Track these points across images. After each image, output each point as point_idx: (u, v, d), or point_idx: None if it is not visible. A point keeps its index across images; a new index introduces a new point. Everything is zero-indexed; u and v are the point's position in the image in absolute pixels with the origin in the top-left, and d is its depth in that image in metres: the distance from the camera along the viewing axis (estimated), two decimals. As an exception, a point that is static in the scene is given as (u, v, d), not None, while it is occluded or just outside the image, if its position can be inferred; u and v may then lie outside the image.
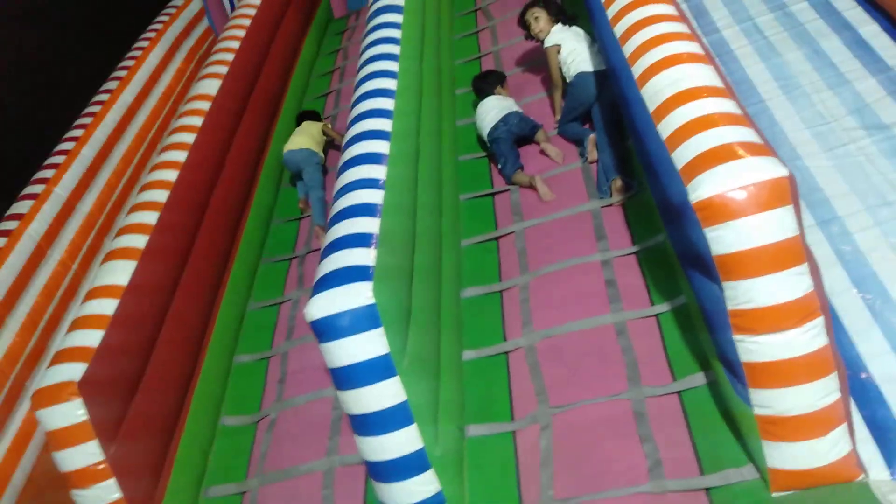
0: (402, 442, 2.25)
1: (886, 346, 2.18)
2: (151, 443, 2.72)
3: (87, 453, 2.46)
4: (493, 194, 3.51)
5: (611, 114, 3.32)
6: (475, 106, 3.81)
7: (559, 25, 3.60)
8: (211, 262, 3.47)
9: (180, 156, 3.45)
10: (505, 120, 3.50)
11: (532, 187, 3.37)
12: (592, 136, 3.34)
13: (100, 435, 2.48)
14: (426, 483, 2.28)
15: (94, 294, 2.82)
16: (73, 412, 2.46)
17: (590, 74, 3.40)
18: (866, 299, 2.29)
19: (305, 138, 4.13)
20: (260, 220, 4.02)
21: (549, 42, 3.58)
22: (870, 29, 3.10)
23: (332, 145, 4.37)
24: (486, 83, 3.81)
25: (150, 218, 3.13)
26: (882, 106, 2.74)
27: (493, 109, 3.59)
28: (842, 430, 1.97)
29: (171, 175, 3.34)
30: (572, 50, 3.49)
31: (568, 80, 3.53)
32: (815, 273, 1.94)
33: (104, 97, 4.69)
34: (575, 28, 3.61)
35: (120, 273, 2.88)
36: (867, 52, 3.01)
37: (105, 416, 2.53)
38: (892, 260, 2.34)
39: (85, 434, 2.46)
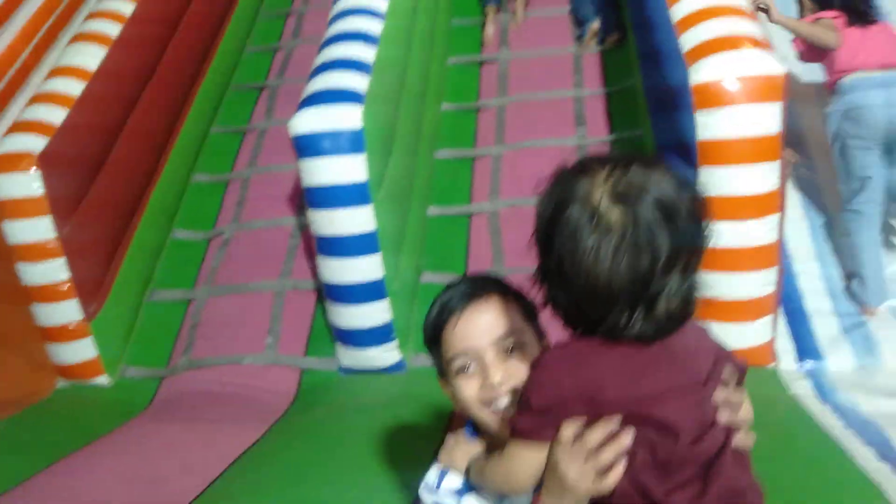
0: (365, 268, 2.32)
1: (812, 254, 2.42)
2: (104, 231, 2.68)
3: (40, 228, 2.41)
4: (481, 63, 3.48)
5: None
6: None
7: None
8: (179, 75, 3.33)
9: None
10: None
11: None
12: (595, 24, 3.34)
13: (55, 212, 2.43)
14: (381, 310, 2.37)
15: (59, 73, 2.68)
16: (29, 183, 2.39)
17: None
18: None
19: None
20: (235, 42, 3.83)
21: None
22: None
23: None
24: None
25: (126, 7, 2.97)
26: None
27: None
28: (769, 319, 2.17)
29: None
30: None
31: None
32: (784, 172, 2.08)
33: None
34: None
35: (89, 56, 2.75)
36: None
37: (61, 194, 2.46)
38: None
39: (40, 208, 2.40)
